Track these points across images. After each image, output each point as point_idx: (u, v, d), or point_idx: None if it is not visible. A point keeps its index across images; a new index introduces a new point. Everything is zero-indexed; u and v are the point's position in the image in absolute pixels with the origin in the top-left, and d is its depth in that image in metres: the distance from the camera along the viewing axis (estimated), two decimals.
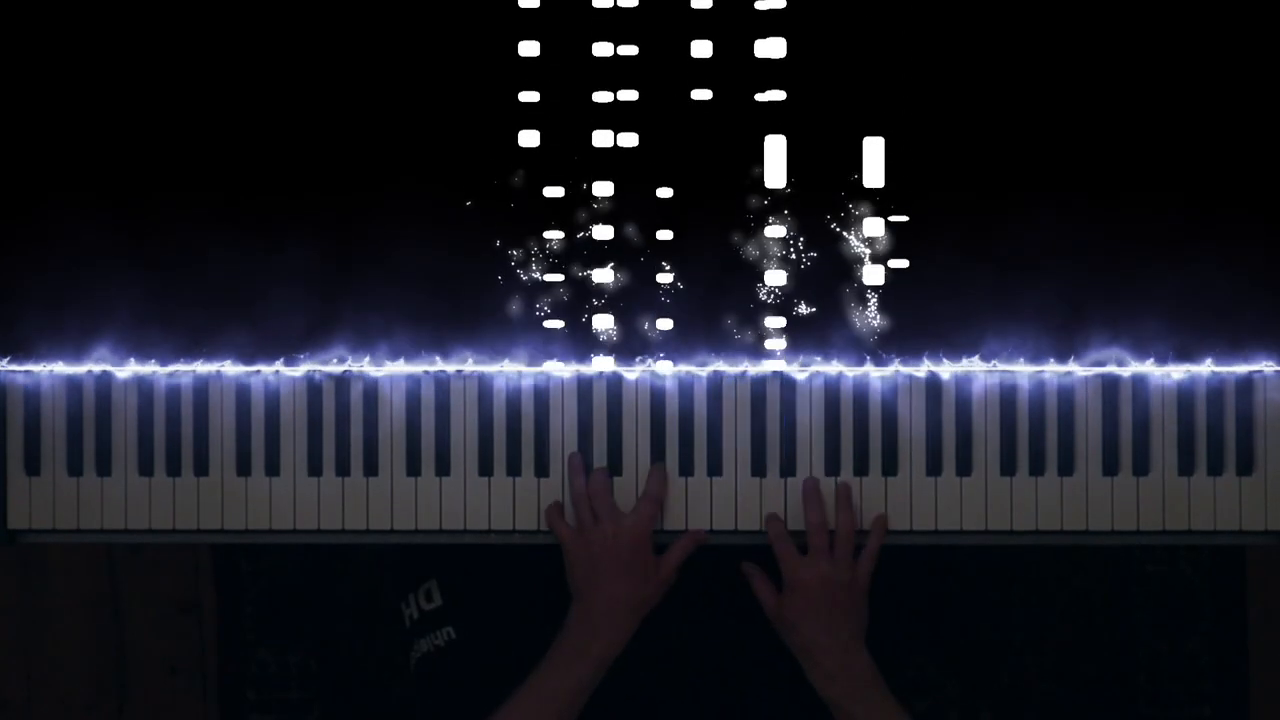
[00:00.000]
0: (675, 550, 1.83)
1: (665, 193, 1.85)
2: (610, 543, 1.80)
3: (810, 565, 1.80)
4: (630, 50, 1.84)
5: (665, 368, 1.86)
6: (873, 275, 1.85)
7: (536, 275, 1.86)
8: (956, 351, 1.85)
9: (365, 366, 1.86)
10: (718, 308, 1.86)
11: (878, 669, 1.81)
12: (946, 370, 1.86)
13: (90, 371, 1.87)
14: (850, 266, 1.85)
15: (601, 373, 1.87)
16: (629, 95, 1.84)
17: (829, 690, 1.80)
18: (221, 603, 2.48)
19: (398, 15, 1.86)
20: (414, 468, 1.88)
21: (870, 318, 1.85)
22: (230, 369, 1.87)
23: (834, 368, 1.86)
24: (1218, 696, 2.46)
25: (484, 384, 1.87)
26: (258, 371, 1.87)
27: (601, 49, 1.84)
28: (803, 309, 1.86)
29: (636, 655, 1.85)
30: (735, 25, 1.84)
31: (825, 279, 1.86)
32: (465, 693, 1.87)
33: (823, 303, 1.86)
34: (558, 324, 1.86)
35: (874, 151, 1.85)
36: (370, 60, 1.86)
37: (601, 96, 1.84)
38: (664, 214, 1.86)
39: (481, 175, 1.86)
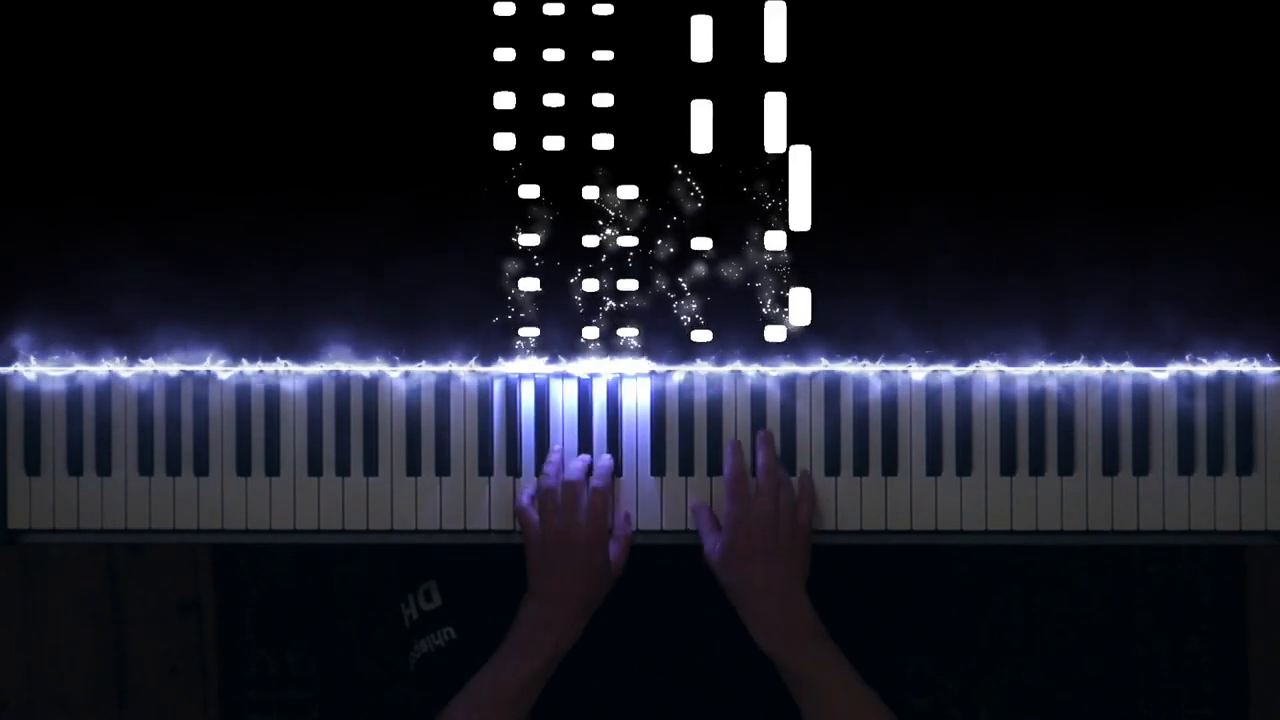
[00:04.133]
0: (618, 551, 1.84)
1: (663, 194, 1.86)
2: (566, 538, 1.80)
3: (756, 503, 1.81)
4: (606, 55, 1.85)
5: (665, 368, 1.86)
6: (872, 276, 1.85)
7: (537, 277, 1.86)
8: (957, 352, 1.85)
9: (365, 366, 1.86)
10: (718, 308, 1.86)
11: (820, 621, 1.80)
12: (947, 370, 1.86)
13: (90, 371, 1.87)
14: (849, 266, 1.85)
15: (601, 373, 1.87)
16: (605, 100, 1.85)
17: (768, 642, 1.79)
18: (221, 603, 2.48)
19: (381, 19, 1.86)
20: (414, 468, 1.88)
21: (869, 318, 1.85)
22: (230, 369, 1.87)
23: (834, 367, 1.86)
24: (1218, 696, 2.46)
25: (484, 384, 1.87)
26: (258, 371, 1.87)
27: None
28: (802, 309, 1.86)
29: (611, 651, 1.85)
30: (730, 30, 1.85)
31: (824, 278, 1.86)
32: None
33: (823, 303, 1.86)
34: (559, 325, 1.87)
35: (874, 160, 1.85)
36: (362, 68, 1.86)
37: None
38: (665, 215, 1.86)
39: (479, 178, 1.86)
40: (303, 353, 1.86)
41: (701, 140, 1.85)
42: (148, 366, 1.87)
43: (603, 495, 1.82)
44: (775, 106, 1.85)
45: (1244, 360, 1.84)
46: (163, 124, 1.86)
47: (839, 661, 1.79)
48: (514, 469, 1.87)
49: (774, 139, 1.85)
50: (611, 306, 1.87)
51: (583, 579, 1.81)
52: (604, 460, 1.85)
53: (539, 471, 1.87)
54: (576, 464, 1.84)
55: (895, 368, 1.86)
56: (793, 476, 1.86)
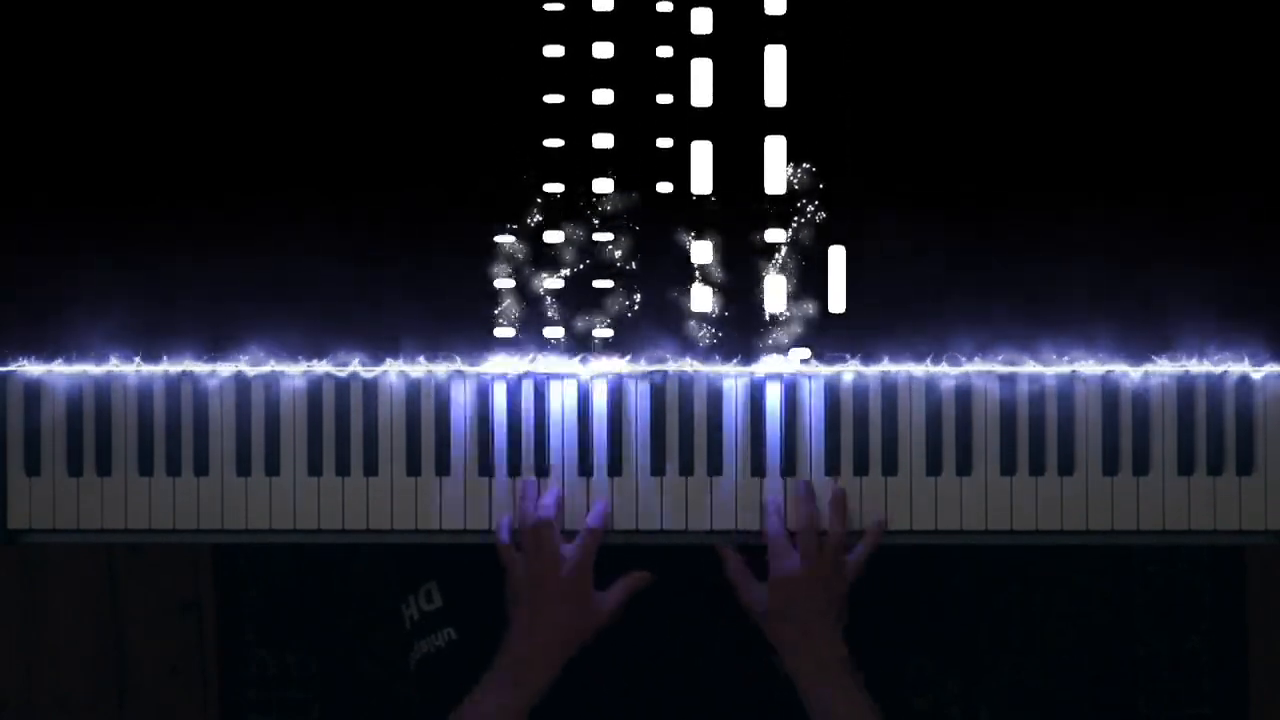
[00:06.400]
0: (615, 592, 1.84)
1: (665, 187, 1.86)
2: (550, 577, 1.81)
3: (797, 563, 1.81)
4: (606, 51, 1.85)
5: (665, 368, 1.86)
6: (873, 277, 1.85)
7: (536, 277, 1.86)
8: (958, 352, 1.85)
9: (365, 367, 1.86)
10: (720, 310, 1.86)
11: (852, 659, 1.80)
12: (947, 370, 1.86)
13: (90, 371, 1.87)
14: (850, 268, 1.85)
15: (602, 373, 1.87)
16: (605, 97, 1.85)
17: (801, 677, 1.80)
18: (221, 603, 2.48)
19: (391, 17, 1.86)
20: (414, 468, 1.88)
21: (870, 318, 1.85)
22: (230, 369, 1.87)
23: (835, 368, 1.86)
24: (1218, 696, 2.46)
25: (483, 384, 1.87)
26: (258, 372, 1.87)
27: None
28: (801, 309, 1.86)
29: (609, 651, 1.85)
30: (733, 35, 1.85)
31: (825, 281, 1.86)
32: (466, 693, 1.87)
33: (822, 303, 1.86)
34: (558, 325, 1.87)
35: (875, 166, 1.85)
36: (367, 68, 1.86)
37: (603, 96, 1.85)
38: (664, 216, 1.86)
39: (475, 179, 1.86)
40: (302, 353, 1.86)
41: (703, 171, 1.86)
42: (148, 366, 1.87)
43: (595, 538, 1.83)
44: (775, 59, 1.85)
45: (1244, 360, 1.84)
46: (161, 127, 1.86)
47: (864, 701, 1.79)
48: (514, 469, 1.87)
49: (775, 173, 1.85)
50: (613, 308, 1.87)
51: (561, 617, 1.81)
52: (599, 505, 1.85)
53: (539, 471, 1.87)
54: (548, 500, 1.84)
55: (895, 368, 1.85)
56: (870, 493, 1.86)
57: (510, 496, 1.87)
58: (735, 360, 1.86)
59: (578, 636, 1.82)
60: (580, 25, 1.85)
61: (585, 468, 1.88)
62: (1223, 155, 1.84)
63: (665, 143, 1.85)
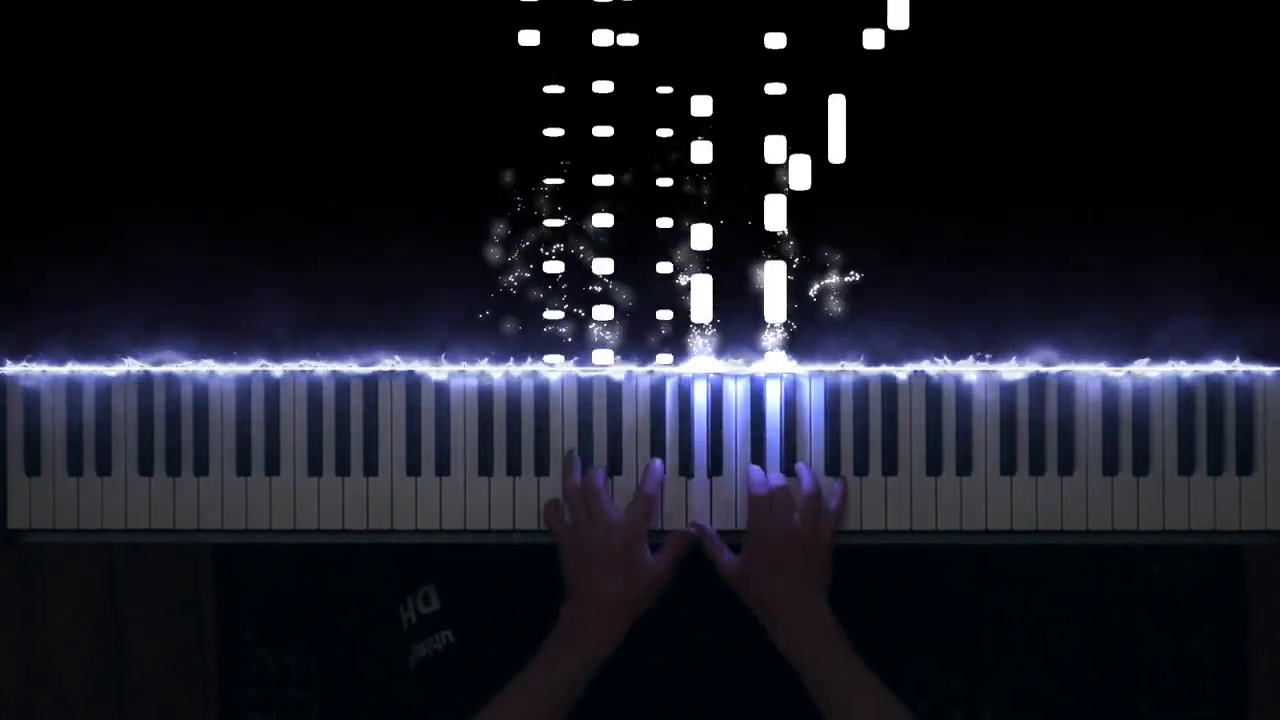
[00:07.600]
0: (668, 550, 1.83)
1: (666, 182, 1.86)
2: (603, 540, 1.80)
3: (777, 520, 1.81)
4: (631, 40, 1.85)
5: (665, 368, 1.86)
6: (871, 275, 1.85)
7: (536, 276, 1.86)
8: (956, 352, 1.85)
9: (365, 366, 1.86)
10: (718, 309, 1.86)
11: (842, 630, 1.80)
12: (947, 370, 1.85)
13: (90, 371, 1.87)
14: (848, 268, 1.85)
15: (602, 373, 1.87)
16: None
17: (792, 650, 1.79)
18: (221, 603, 2.48)
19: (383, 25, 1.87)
20: (414, 468, 1.88)
21: (870, 318, 1.85)
22: (230, 369, 1.87)
23: (834, 367, 1.86)
24: (1220, 697, 2.46)
25: (483, 383, 1.87)
26: (258, 371, 1.87)
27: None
28: (803, 310, 1.86)
29: (633, 653, 1.85)
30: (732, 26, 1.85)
31: (823, 279, 1.86)
32: (464, 695, 1.87)
33: (823, 302, 1.86)
34: (558, 326, 1.86)
35: (873, 166, 1.85)
36: (362, 67, 1.86)
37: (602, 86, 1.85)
38: (663, 212, 1.86)
39: (475, 176, 1.86)
40: (303, 353, 1.86)
41: (702, 151, 1.86)
42: (147, 366, 1.87)
43: (649, 500, 1.83)
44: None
45: (1244, 360, 1.84)
46: (160, 126, 1.87)
47: (862, 669, 1.79)
48: (514, 469, 1.87)
49: (774, 149, 1.85)
50: (611, 307, 1.86)
51: (621, 579, 1.80)
52: (655, 465, 1.85)
53: (539, 471, 1.87)
54: (597, 472, 1.84)
55: (895, 368, 1.85)
56: (834, 477, 1.87)
57: (510, 496, 1.87)
58: (735, 360, 1.86)
59: (637, 603, 1.81)
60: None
61: (585, 465, 1.88)
62: (1223, 156, 1.84)
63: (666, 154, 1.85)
